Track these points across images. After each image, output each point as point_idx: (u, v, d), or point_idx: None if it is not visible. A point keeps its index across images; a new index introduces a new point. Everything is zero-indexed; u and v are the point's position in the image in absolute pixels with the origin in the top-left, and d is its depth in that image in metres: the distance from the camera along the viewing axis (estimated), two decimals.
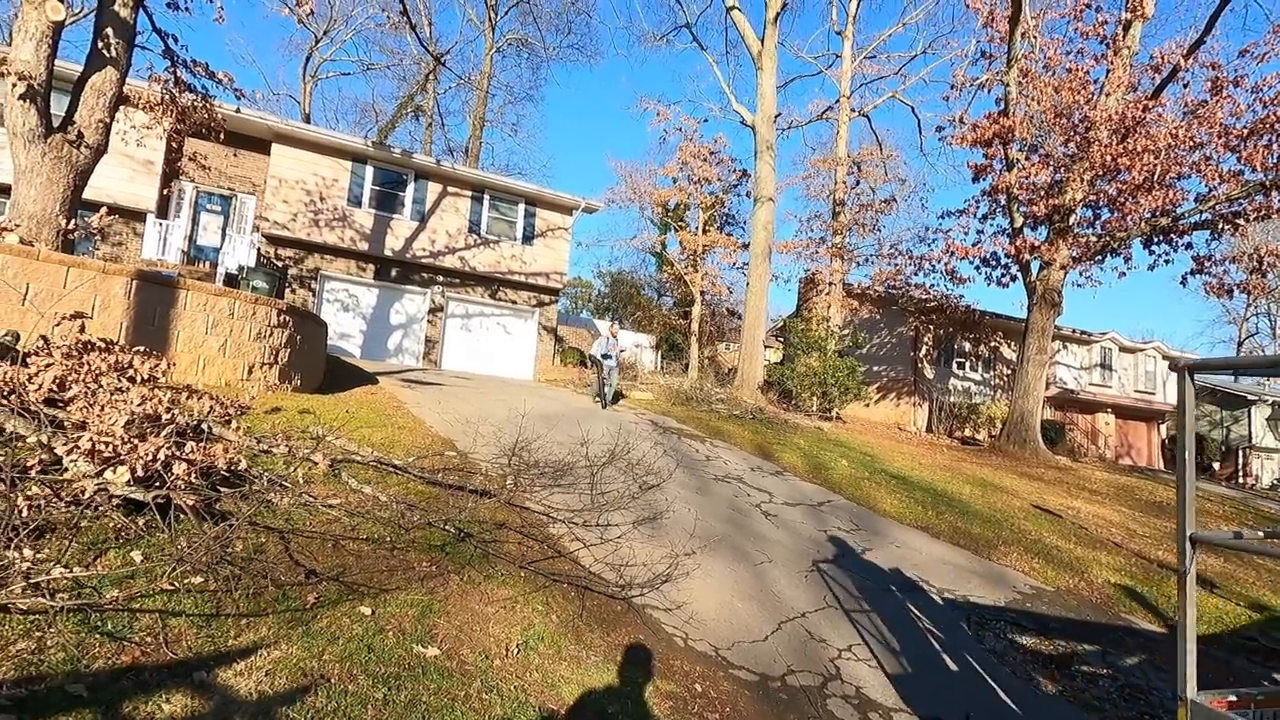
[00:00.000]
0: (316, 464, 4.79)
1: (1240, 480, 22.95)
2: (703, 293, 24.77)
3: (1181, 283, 16.42)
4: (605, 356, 12.50)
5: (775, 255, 20.97)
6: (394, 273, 17.27)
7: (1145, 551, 8.40)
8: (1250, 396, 24.31)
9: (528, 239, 18.77)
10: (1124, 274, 17.18)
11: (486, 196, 18.34)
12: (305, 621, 3.01)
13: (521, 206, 18.78)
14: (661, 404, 13.95)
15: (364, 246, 16.60)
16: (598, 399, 12.49)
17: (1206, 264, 15.83)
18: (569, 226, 19.49)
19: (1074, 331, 25.18)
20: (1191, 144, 14.28)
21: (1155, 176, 14.28)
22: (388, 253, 16.88)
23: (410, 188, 17.33)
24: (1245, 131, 13.83)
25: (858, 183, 24.18)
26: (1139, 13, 15.11)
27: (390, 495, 4.75)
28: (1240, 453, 24.04)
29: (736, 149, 57.98)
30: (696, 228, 25.31)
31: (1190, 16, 39.39)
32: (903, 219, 47.10)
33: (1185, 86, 15.26)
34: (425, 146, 31.50)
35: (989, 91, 18.22)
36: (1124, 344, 26.46)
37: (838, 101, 23.73)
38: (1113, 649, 5.35)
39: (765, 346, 21.32)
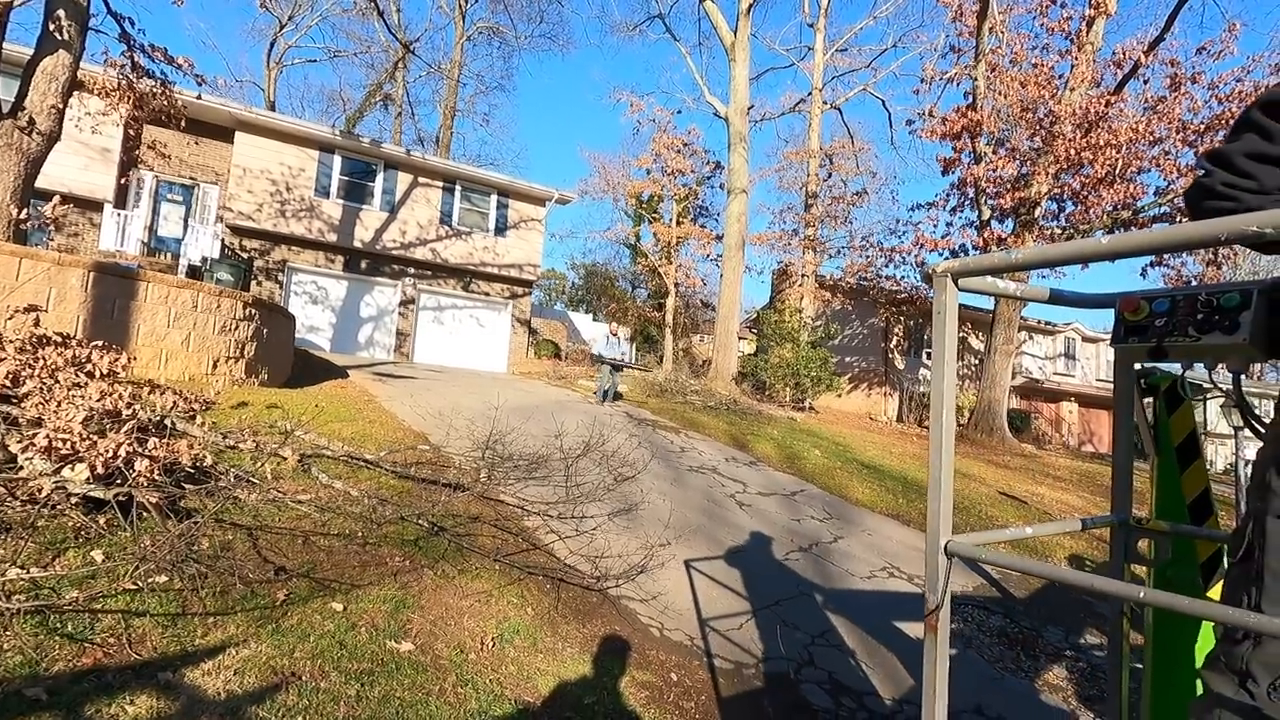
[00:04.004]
0: (285, 459, 4.70)
1: None
2: (677, 285, 24.85)
3: (1142, 274, 16.89)
4: (611, 361, 12.41)
5: (749, 247, 21.10)
6: (364, 264, 17.00)
7: (1104, 535, 8.64)
8: (1205, 385, 25.17)
9: (500, 230, 18.60)
10: (1086, 265, 17.63)
11: (458, 187, 18.12)
12: (275, 619, 2.96)
13: (494, 197, 18.60)
14: (636, 396, 13.96)
15: (333, 238, 16.30)
16: (601, 399, 12.25)
17: (1166, 256, 16.30)
18: (542, 218, 19.37)
19: (1039, 322, 25.79)
20: (1151, 139, 14.68)
21: (1117, 170, 14.66)
22: (357, 244, 16.61)
23: (380, 178, 17.05)
24: (1202, 127, 14.25)
25: (830, 175, 24.42)
26: (1102, 9, 15.44)
27: (362, 490, 4.69)
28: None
29: (710, 141, 58.14)
30: (670, 219, 25.36)
31: (1151, 14, 40.40)
32: (874, 211, 47.73)
33: (1146, 82, 15.69)
34: (395, 136, 30.98)
35: (958, 85, 18.53)
36: (1086, 334, 27.18)
37: (810, 94, 23.88)
38: (1075, 630, 5.51)
39: (739, 338, 21.45)
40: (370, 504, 4.44)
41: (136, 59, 9.30)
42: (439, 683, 2.90)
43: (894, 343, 23.53)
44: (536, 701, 3.04)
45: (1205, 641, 1.92)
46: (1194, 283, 16.42)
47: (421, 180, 17.62)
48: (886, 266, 20.29)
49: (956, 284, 1.39)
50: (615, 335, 13.08)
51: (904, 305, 22.10)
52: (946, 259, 1.49)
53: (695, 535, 5.94)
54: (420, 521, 4.40)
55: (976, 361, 23.26)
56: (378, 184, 17.02)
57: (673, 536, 5.65)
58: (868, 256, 20.88)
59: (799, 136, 28.33)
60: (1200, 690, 1.30)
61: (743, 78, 19.70)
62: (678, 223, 24.86)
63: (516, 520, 5.24)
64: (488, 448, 6.25)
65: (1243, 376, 1.59)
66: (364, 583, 3.53)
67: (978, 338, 24.07)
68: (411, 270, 17.56)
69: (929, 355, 24.71)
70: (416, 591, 3.61)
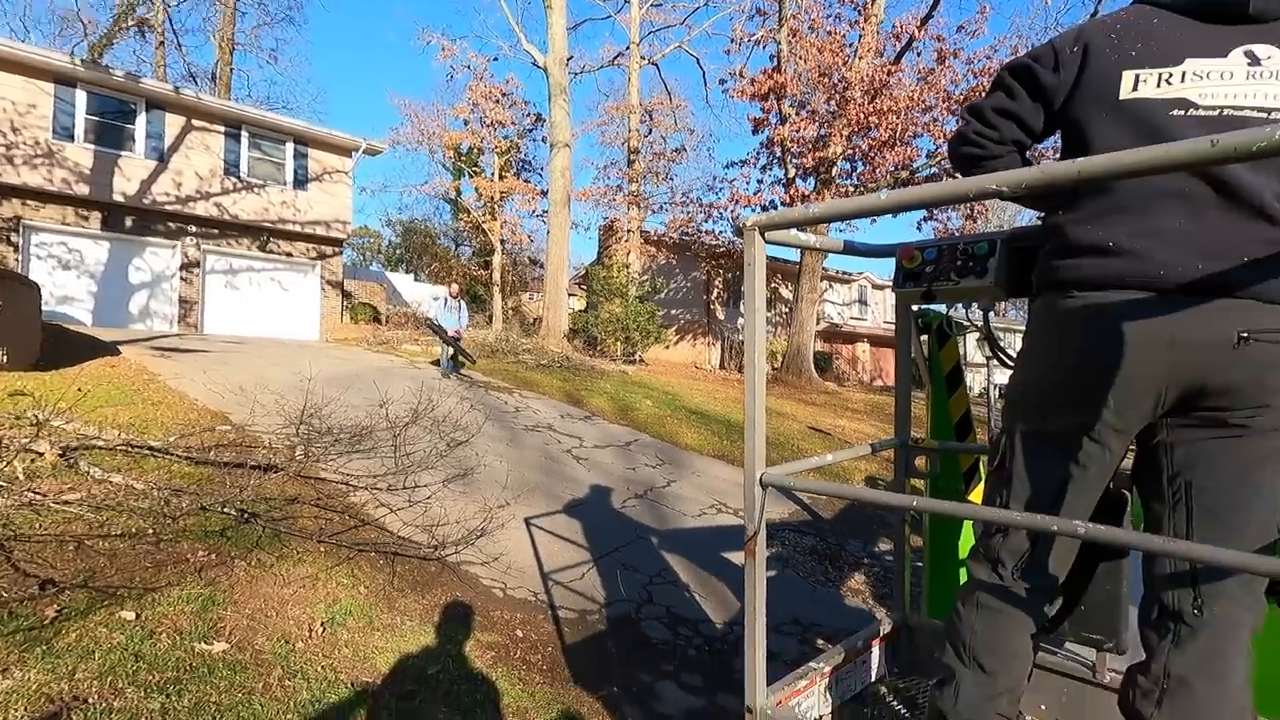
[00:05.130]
0: (42, 454, 3.99)
1: None
2: (503, 241, 24.18)
3: (917, 227, 19.33)
4: (442, 335, 11.13)
5: (575, 202, 20.97)
6: (129, 222, 14.53)
7: (891, 457, 9.98)
8: (963, 323, 29.61)
9: (300, 183, 16.77)
10: (874, 220, 19.69)
11: (244, 133, 15.98)
12: (46, 640, 2.54)
13: (290, 146, 16.66)
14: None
15: (84, 190, 13.69)
16: (447, 374, 10.82)
17: (935, 211, 18.68)
18: (349, 170, 17.74)
19: (838, 272, 28.56)
20: (923, 107, 16.57)
21: (897, 134, 16.41)
22: (118, 198, 14.10)
23: (141, 119, 14.53)
24: (962, 98, 16.33)
25: (650, 131, 24.81)
26: None
27: (149, 481, 4.12)
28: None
29: (530, 92, 56.49)
30: (492, 173, 24.44)
31: None
32: (693, 168, 49.31)
33: (919, 55, 17.57)
34: (158, 70, 26.42)
35: (764, 48, 19.50)
36: (876, 282, 30.59)
37: (628, 48, 23.89)
38: (871, 541, 6.36)
39: (569, 295, 21.46)
40: (161, 496, 3.92)
41: None
42: (262, 679, 2.68)
43: (715, 295, 24.86)
44: (376, 680, 2.92)
45: (968, 539, 2.29)
46: (956, 234, 19.01)
47: (197, 124, 15.27)
48: (706, 222, 21.27)
49: (764, 237, 1.48)
50: (456, 298, 11.85)
51: (723, 259, 23.34)
52: (758, 214, 1.60)
53: (534, 493, 5.97)
54: (226, 510, 3.97)
55: (786, 310, 25.32)
56: (139, 126, 14.48)
57: (511, 497, 5.63)
58: (688, 212, 21.71)
59: (619, 91, 28.34)
60: (964, 578, 1.56)
61: (560, 26, 19.19)
62: (500, 177, 24.02)
63: (341, 497, 4.91)
64: (302, 422, 5.74)
65: (991, 314, 1.89)
66: (160, 585, 3.13)
67: (787, 288, 26.15)
68: (193, 228, 15.30)
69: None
70: (227, 586, 3.28)
